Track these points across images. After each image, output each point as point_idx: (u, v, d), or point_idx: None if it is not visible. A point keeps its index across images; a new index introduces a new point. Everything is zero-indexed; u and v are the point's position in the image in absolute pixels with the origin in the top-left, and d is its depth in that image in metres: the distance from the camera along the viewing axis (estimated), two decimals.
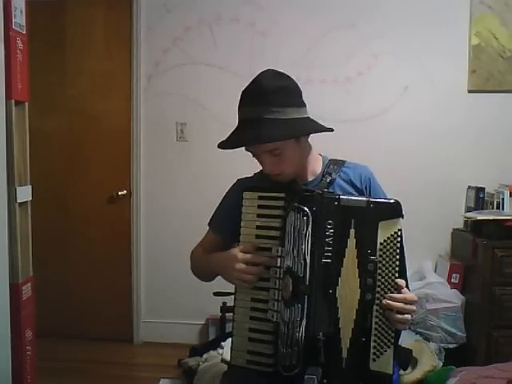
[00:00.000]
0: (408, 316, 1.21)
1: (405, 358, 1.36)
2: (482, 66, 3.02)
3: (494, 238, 2.62)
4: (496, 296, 2.59)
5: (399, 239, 1.22)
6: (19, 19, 2.08)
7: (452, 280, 2.84)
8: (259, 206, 1.29)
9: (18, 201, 2.10)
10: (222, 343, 2.65)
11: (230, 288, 1.36)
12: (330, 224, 1.21)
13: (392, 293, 1.21)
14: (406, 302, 1.21)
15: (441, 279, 2.82)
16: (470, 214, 2.85)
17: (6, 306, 2.04)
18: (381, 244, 1.21)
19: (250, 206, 1.30)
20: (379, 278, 1.21)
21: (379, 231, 1.21)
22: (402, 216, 1.22)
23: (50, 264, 3.15)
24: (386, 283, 1.21)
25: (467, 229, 2.91)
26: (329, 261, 1.21)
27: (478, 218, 2.73)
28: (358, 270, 1.21)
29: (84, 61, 3.25)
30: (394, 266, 1.21)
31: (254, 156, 1.37)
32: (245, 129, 1.31)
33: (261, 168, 1.45)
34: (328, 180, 1.41)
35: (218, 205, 1.57)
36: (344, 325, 1.21)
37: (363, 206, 1.23)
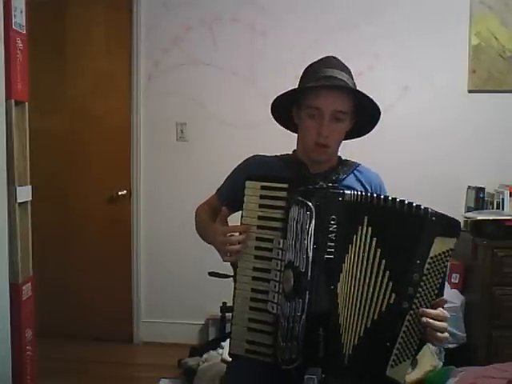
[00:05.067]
0: (446, 334, 1.20)
1: None
2: (482, 65, 3.02)
3: (494, 238, 2.62)
4: (496, 296, 2.59)
5: (449, 258, 1.19)
6: (19, 19, 2.08)
7: (452, 280, 2.84)
8: (261, 197, 1.27)
9: (18, 201, 2.10)
10: (222, 343, 2.65)
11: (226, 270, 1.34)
12: (333, 219, 1.19)
13: (428, 307, 1.19)
14: (439, 318, 1.19)
15: None
16: (469, 214, 2.85)
17: (6, 306, 2.04)
18: (431, 258, 1.18)
19: (252, 195, 1.28)
20: (420, 290, 1.18)
21: (434, 245, 1.17)
22: (458, 236, 1.20)
23: (50, 264, 3.15)
24: (425, 297, 1.19)
25: (467, 229, 2.90)
26: (331, 257, 1.19)
27: (478, 218, 2.73)
28: (388, 272, 1.18)
29: (84, 60, 3.25)
30: (436, 282, 1.19)
31: (311, 116, 1.38)
32: (334, 79, 1.37)
33: (280, 153, 1.52)
34: (334, 177, 1.43)
35: (229, 173, 1.59)
36: (345, 321, 1.20)
37: (416, 214, 1.18)
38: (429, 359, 2.45)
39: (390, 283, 1.19)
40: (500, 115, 3.05)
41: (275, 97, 1.44)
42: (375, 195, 1.23)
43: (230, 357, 1.35)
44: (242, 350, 1.28)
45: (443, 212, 1.20)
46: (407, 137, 3.09)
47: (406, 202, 1.21)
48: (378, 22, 3.05)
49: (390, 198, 1.22)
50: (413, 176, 3.03)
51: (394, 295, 1.19)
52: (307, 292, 1.19)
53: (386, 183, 1.55)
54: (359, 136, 1.53)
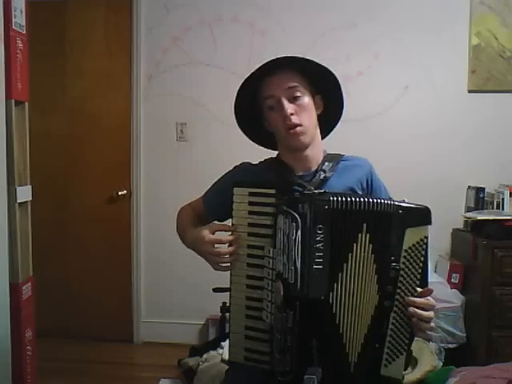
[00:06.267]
0: (432, 324, 1.18)
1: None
2: (482, 66, 3.02)
3: (494, 238, 2.62)
4: (496, 296, 2.59)
5: (425, 247, 1.18)
6: (19, 19, 2.08)
7: (452, 280, 2.84)
8: (250, 203, 1.26)
9: (18, 201, 2.10)
10: (222, 343, 2.65)
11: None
12: (320, 229, 1.14)
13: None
14: (425, 307, 1.17)
15: (441, 279, 2.82)
16: (469, 214, 2.85)
17: (6, 306, 2.04)
18: (405, 251, 1.16)
19: (241, 202, 1.27)
20: (400, 285, 1.17)
21: (405, 238, 1.16)
22: (431, 223, 1.18)
23: (50, 264, 3.15)
24: (407, 291, 1.18)
25: (467, 229, 2.90)
26: (320, 267, 1.15)
27: (478, 217, 2.73)
28: (376, 275, 1.17)
29: (84, 61, 3.25)
30: (416, 273, 1.17)
31: (271, 108, 1.36)
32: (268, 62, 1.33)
33: (265, 157, 1.49)
34: (322, 177, 1.38)
35: (217, 179, 1.56)
36: (348, 330, 1.18)
37: (388, 211, 1.17)
38: (429, 359, 2.45)
39: (376, 286, 1.18)
40: (500, 115, 3.05)
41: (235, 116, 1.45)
42: (361, 199, 1.17)
43: (229, 363, 1.35)
44: (241, 357, 1.28)
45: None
46: (407, 137, 3.08)
47: (382, 200, 1.18)
48: (377, 21, 3.04)
49: (375, 200, 1.18)
50: (413, 176, 3.03)
51: (377, 297, 1.18)
52: (297, 304, 1.16)
53: (385, 183, 1.53)
54: (338, 116, 1.50)
